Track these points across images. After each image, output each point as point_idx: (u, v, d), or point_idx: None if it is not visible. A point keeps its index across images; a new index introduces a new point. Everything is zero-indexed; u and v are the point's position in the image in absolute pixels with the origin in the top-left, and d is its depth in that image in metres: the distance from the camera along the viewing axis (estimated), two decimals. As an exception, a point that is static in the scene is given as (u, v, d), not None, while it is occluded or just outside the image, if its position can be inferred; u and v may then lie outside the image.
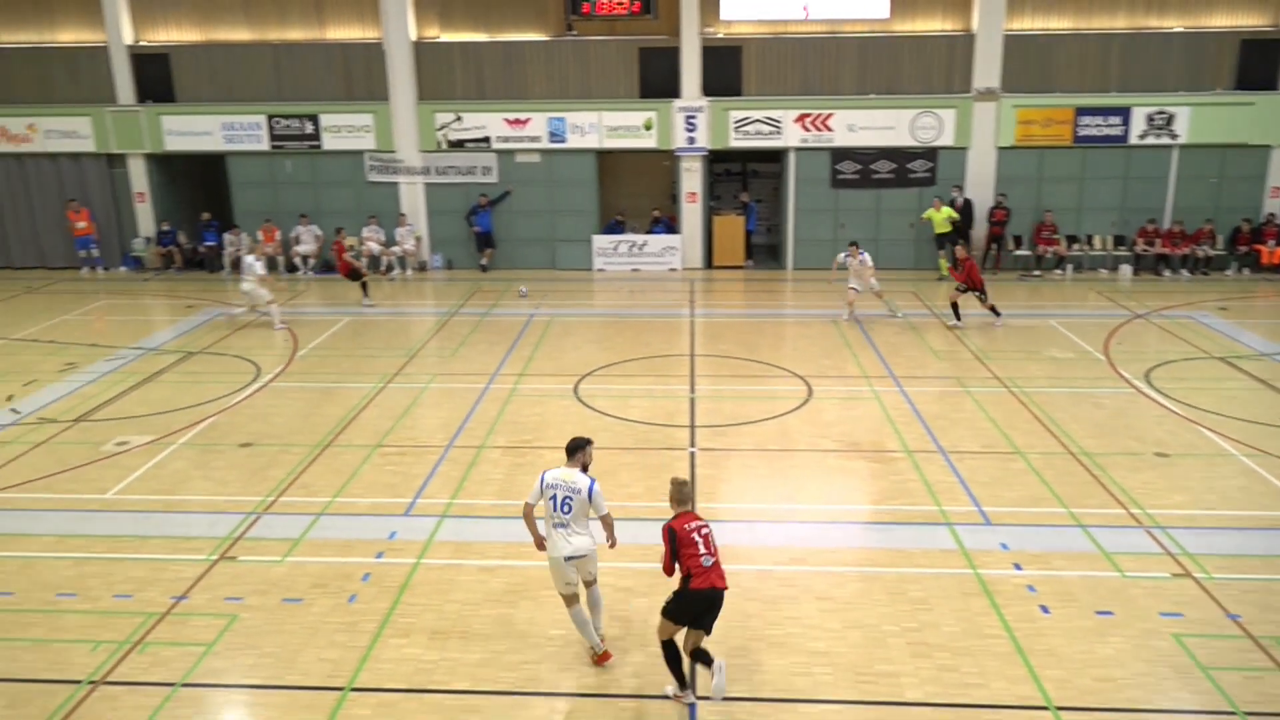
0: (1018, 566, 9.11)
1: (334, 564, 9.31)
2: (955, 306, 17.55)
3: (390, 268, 22.51)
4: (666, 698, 7.31)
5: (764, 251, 24.47)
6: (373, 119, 22.36)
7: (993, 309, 17.53)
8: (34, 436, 12.68)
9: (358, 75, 22.54)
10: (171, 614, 8.49)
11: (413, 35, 22.12)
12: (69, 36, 22.96)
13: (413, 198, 22.82)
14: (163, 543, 9.78)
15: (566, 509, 7.46)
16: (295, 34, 22.62)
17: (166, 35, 22.84)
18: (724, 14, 21.73)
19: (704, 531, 7.16)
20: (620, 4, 21.31)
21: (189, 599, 8.73)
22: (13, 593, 8.87)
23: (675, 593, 7.12)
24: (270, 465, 11.67)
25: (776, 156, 23.16)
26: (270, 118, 22.48)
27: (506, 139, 22.38)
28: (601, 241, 22.89)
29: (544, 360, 15.74)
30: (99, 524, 10.21)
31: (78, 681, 7.55)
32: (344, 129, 22.49)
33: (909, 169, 22.06)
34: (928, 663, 7.70)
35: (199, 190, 24.34)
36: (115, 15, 22.36)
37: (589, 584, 7.75)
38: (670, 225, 23.20)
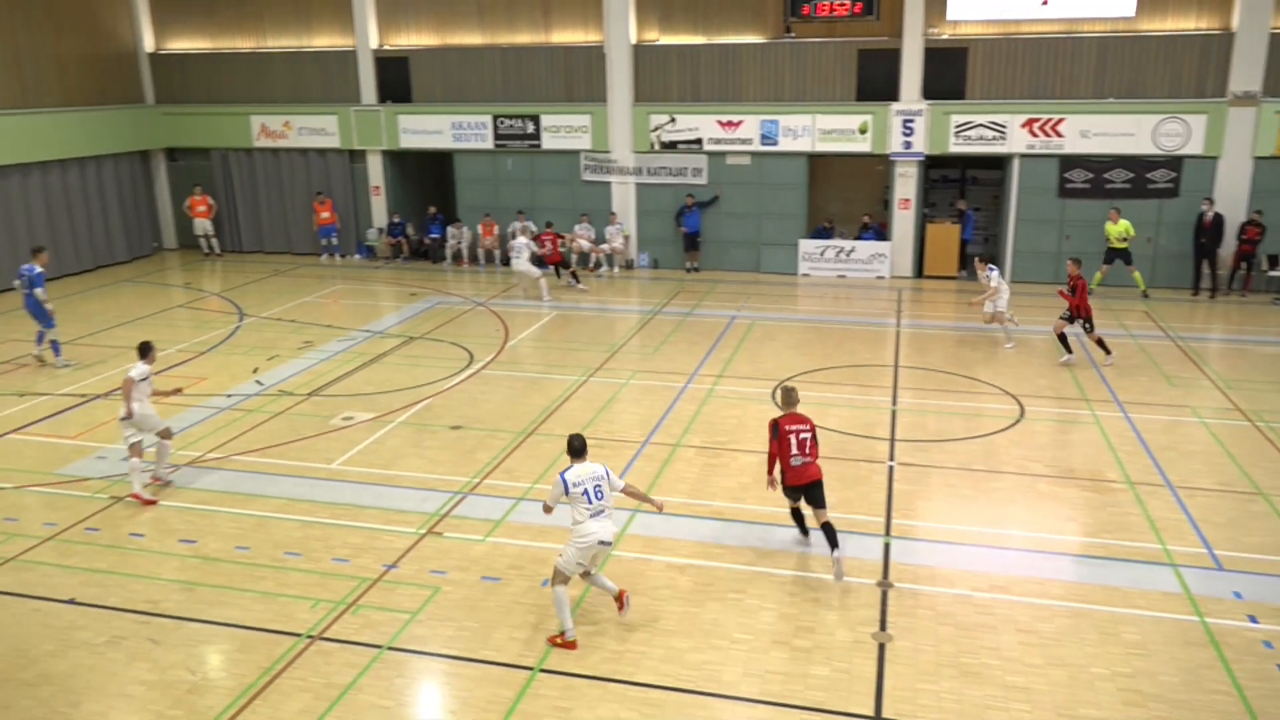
0: (1253, 619, 8.26)
1: (531, 548, 9.65)
2: (1063, 338, 15.51)
3: (598, 265, 23.12)
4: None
5: (979, 262, 23.36)
6: (590, 119, 23.04)
7: (1100, 342, 15.33)
8: (273, 407, 13.88)
9: (578, 77, 23.29)
10: (382, 581, 9.06)
11: (633, 38, 22.61)
12: (323, 42, 24.99)
13: (624, 197, 23.34)
14: (377, 513, 10.46)
15: (600, 495, 8.00)
16: (522, 38, 23.62)
17: (407, 40, 24.42)
18: (951, 14, 20.91)
19: (802, 435, 9.00)
20: (842, 5, 20.92)
21: (398, 568, 9.29)
22: (249, 548, 9.74)
23: (777, 478, 9.16)
24: (477, 448, 12.25)
25: (999, 163, 22.07)
26: (495, 117, 23.60)
27: (718, 141, 22.48)
28: (808, 246, 22.58)
29: (743, 363, 15.70)
30: (323, 491, 11.05)
31: (298, 634, 8.20)
32: (562, 129, 23.29)
33: (1148, 179, 20.45)
34: (1141, 713, 7.11)
35: (428, 185, 25.89)
36: (364, 22, 24.14)
37: (594, 573, 8.30)
38: (880, 232, 22.59)
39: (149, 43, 25.94)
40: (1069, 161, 20.74)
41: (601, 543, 7.97)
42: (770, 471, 9.11)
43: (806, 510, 9.28)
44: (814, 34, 21.83)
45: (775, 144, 22.15)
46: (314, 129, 24.91)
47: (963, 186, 24.07)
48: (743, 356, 16.07)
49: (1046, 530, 10.06)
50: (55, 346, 16.02)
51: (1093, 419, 13.09)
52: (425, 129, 24.15)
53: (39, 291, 15.63)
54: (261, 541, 9.87)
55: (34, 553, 9.68)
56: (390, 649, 7.99)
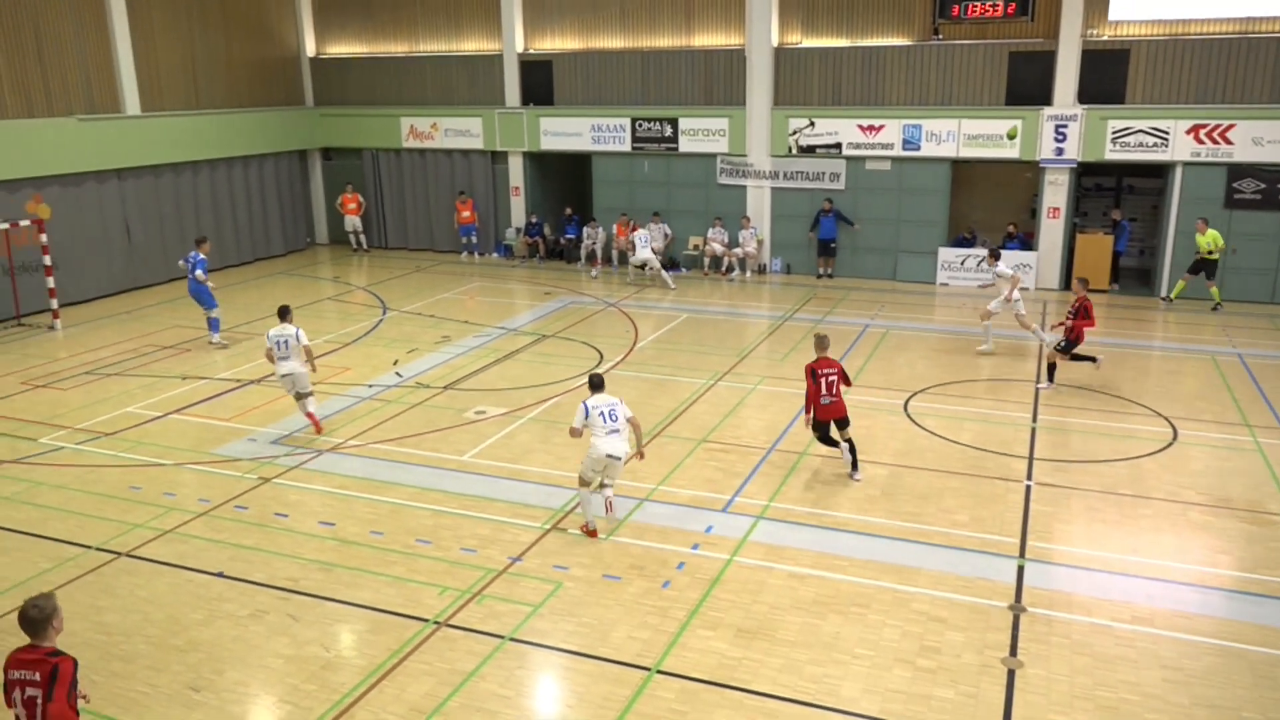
0: None
1: (652, 548, 9.68)
2: (1052, 367, 14.50)
3: (730, 269, 23.04)
4: None
5: (1133, 275, 22.18)
6: (728, 123, 22.98)
7: (1052, 369, 14.41)
8: (411, 398, 14.38)
9: (717, 80, 23.27)
10: (507, 572, 9.26)
11: (774, 41, 22.44)
12: (471, 46, 25.77)
13: (758, 201, 23.19)
14: (505, 506, 10.70)
15: (613, 418, 9.79)
16: (663, 41, 23.77)
17: (551, 44, 24.93)
18: (1113, 14, 19.92)
19: (830, 378, 10.96)
20: (994, 6, 20.21)
21: (523, 561, 9.47)
22: (383, 533, 10.12)
23: (812, 416, 11.08)
24: (603, 447, 12.36)
25: (1158, 171, 20.90)
26: (634, 120, 23.82)
27: (858, 145, 22.06)
28: (948, 255, 21.91)
29: (875, 373, 15.35)
30: (454, 482, 11.37)
31: (425, 620, 8.46)
32: (700, 132, 23.32)
33: (1328, 190, 18.98)
34: (1299, 766, 6.59)
35: (565, 186, 26.37)
36: (511, 27, 24.78)
37: (608, 484, 9.98)
38: (1026, 241, 21.70)
39: (310, 48, 27.33)
40: (1238, 170, 19.45)
41: (609, 455, 9.70)
42: (808, 411, 11.14)
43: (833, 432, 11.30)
44: (962, 36, 21.18)
45: (917, 149, 21.59)
46: (459, 130, 25.71)
47: (1118, 195, 22.90)
48: (875, 366, 15.72)
49: (1197, 562, 9.44)
50: (214, 324, 17.34)
51: (1254, 446, 12.22)
52: (565, 131, 24.60)
53: (200, 274, 17.07)
54: (395, 528, 10.23)
55: (188, 526, 10.32)
56: (512, 640, 8.16)
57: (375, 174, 26.99)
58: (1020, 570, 9.21)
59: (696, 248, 23.71)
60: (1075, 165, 20.59)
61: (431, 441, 12.65)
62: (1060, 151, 20.49)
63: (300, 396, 12.98)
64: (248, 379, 15.31)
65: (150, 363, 16.37)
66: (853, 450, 11.25)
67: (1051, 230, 21.14)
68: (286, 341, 12.79)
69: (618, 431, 9.75)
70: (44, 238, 18.58)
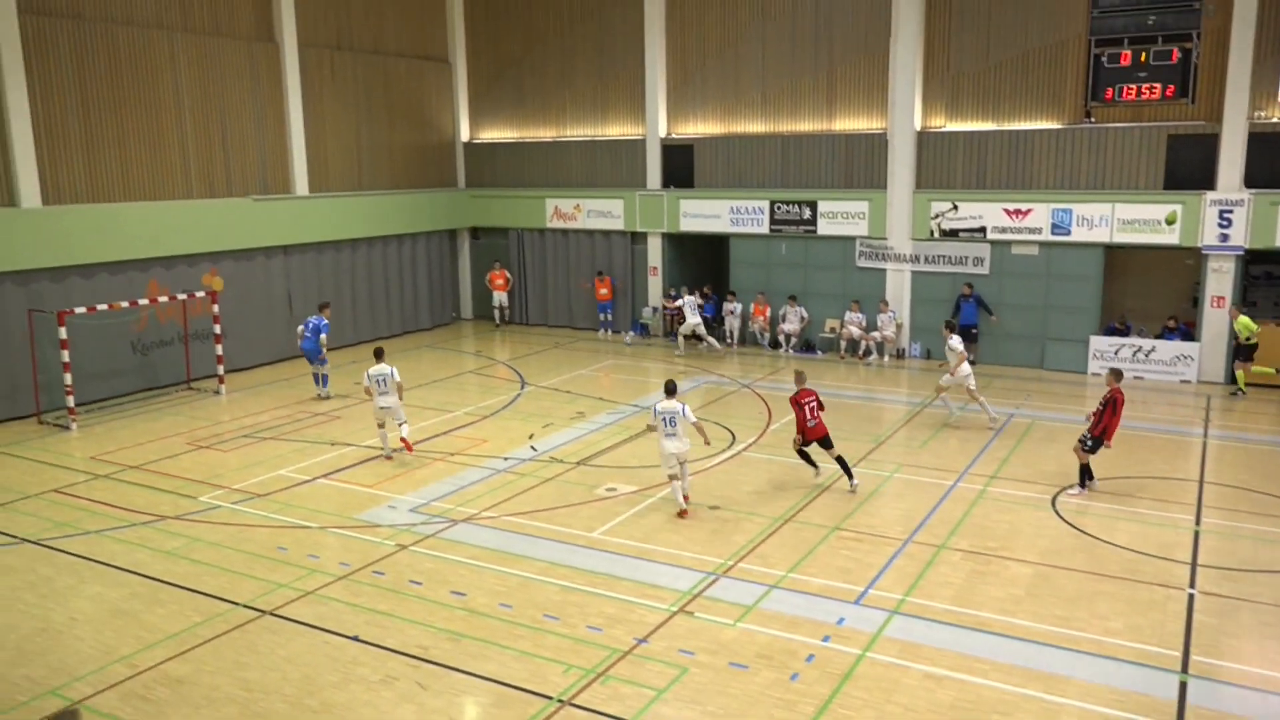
0: None
1: (781, 638, 9.41)
2: (1085, 468, 13.46)
3: (867, 352, 22.65)
4: None
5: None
6: (868, 206, 22.86)
7: (1084, 470, 13.43)
8: (544, 472, 14.60)
9: (858, 164, 23.26)
10: (632, 654, 9.16)
11: (917, 125, 22.32)
12: (616, 131, 26.63)
13: (898, 284, 22.83)
14: (632, 586, 10.64)
15: (673, 424, 12.50)
16: (804, 126, 23.98)
17: (693, 129, 25.50)
18: (1280, 96, 18.99)
19: (810, 405, 13.31)
20: (1151, 89, 19.55)
21: (649, 643, 9.36)
22: (511, 606, 10.21)
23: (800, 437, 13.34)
24: (734, 530, 12.21)
25: (1337, 260, 19.54)
26: (773, 203, 23.98)
27: (1003, 229, 21.53)
28: (1100, 343, 20.94)
29: (1020, 465, 14.68)
30: (582, 559, 11.40)
31: (549, 697, 8.43)
32: (839, 215, 23.26)
33: None
34: None
35: (702, 267, 26.65)
36: (655, 113, 25.52)
37: (681, 468, 12.70)
38: (1188, 332, 20.55)
39: (465, 133, 28.82)
40: None
41: (671, 452, 12.53)
42: (798, 433, 13.53)
43: (820, 456, 13.71)
44: (1117, 119, 20.55)
45: (1067, 233, 20.90)
46: (601, 211, 26.45)
47: (1290, 284, 21.48)
48: (1019, 458, 15.04)
49: (1392, 691, 8.51)
50: (324, 379, 19.33)
51: None
52: (704, 213, 24.97)
53: (324, 337, 19.01)
54: (524, 601, 10.30)
55: (329, 589, 10.67)
56: (634, 724, 8.02)
57: (520, 252, 27.96)
58: (1183, 687, 8.51)
59: (833, 330, 23.46)
60: (1242, 252, 19.49)
61: (562, 516, 12.76)
62: (1225, 238, 19.46)
63: (397, 424, 15.19)
64: (392, 448, 15.87)
65: (303, 428, 17.20)
66: (844, 465, 13.49)
67: (1215, 320, 19.95)
68: (384, 379, 14.96)
69: (674, 435, 12.44)
70: (216, 308, 19.96)
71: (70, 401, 17.36)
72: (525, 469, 14.77)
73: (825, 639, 9.38)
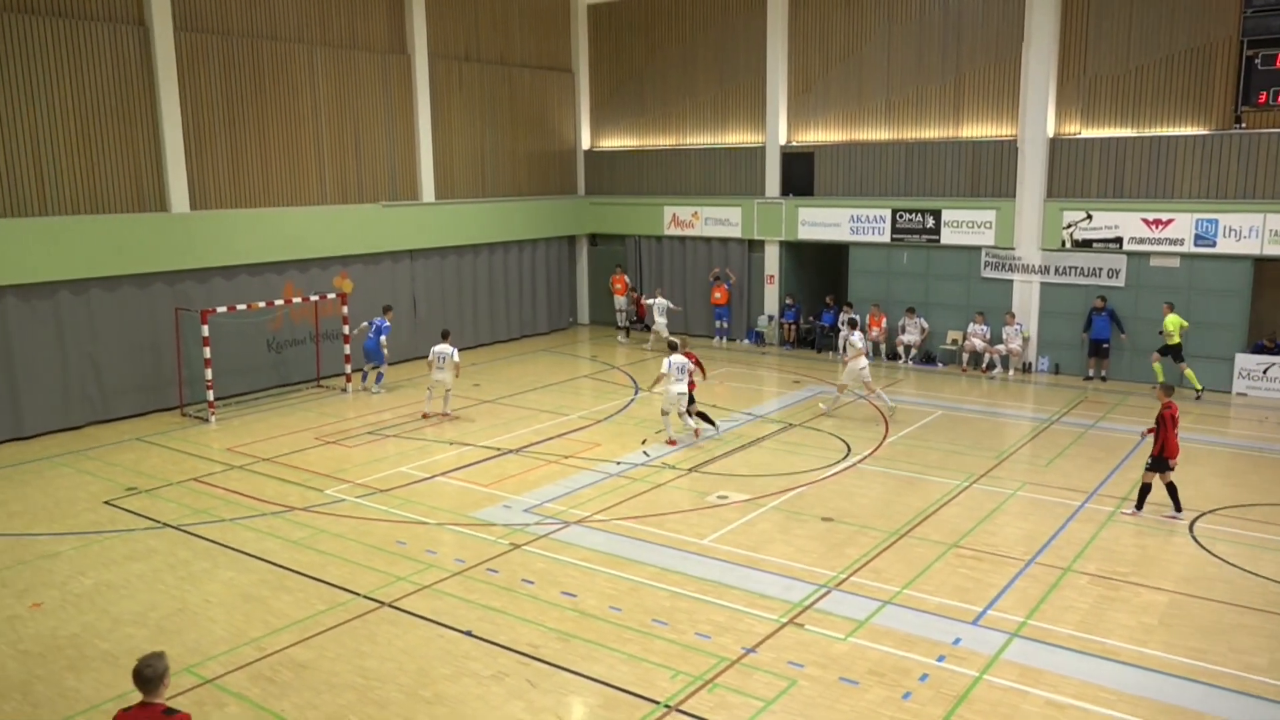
0: None
1: (893, 655, 9.18)
2: (1145, 489, 12.90)
3: (991, 366, 21.93)
4: None
5: None
6: (994, 215, 22.15)
7: (1144, 492, 12.87)
8: (656, 478, 14.63)
9: (985, 172, 22.57)
10: (740, 663, 9.08)
11: (1050, 132, 21.53)
12: (735, 139, 26.56)
13: (1025, 296, 22.04)
14: (741, 595, 10.55)
15: (684, 372, 16.09)
16: (929, 133, 23.42)
17: (814, 136, 25.22)
18: None
19: (688, 367, 16.19)
20: (1307, 92, 18.36)
21: (757, 653, 9.26)
22: (621, 609, 10.26)
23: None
24: (847, 543, 11.98)
25: None
26: (895, 211, 23.49)
27: (1141, 240, 20.54)
28: (1247, 362, 19.73)
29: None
30: (692, 565, 11.37)
31: (656, 702, 8.43)
32: (964, 224, 22.61)
33: None
34: None
35: (820, 275, 26.31)
36: (775, 121, 25.36)
37: (684, 412, 16.18)
38: (1347, 351, 19.18)
39: (585, 142, 29.24)
40: None
41: (680, 394, 16.00)
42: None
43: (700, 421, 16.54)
44: (1270, 124, 19.36)
45: (1212, 245, 19.79)
46: (719, 219, 26.41)
47: None
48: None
49: None
50: (379, 377, 20.47)
51: None
52: (824, 221, 24.64)
53: (384, 339, 20.07)
54: (633, 605, 10.34)
55: (444, 584, 10.94)
56: (741, 735, 7.95)
57: (637, 259, 28.17)
58: (1334, 731, 7.92)
59: (955, 343, 22.81)
60: None
61: (673, 523, 12.76)
62: (1390, 251, 18.09)
63: (439, 397, 18.02)
64: (507, 448, 16.19)
65: (424, 427, 17.72)
66: (704, 417, 16.68)
67: (1378, 339, 18.55)
68: (444, 357, 17.74)
69: (681, 380, 16.05)
70: (345, 309, 20.77)
71: (210, 396, 18.33)
72: (637, 474, 14.85)
73: (940, 659, 9.10)
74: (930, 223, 23.04)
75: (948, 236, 22.84)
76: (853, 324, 19.00)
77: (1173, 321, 19.37)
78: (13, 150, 16.92)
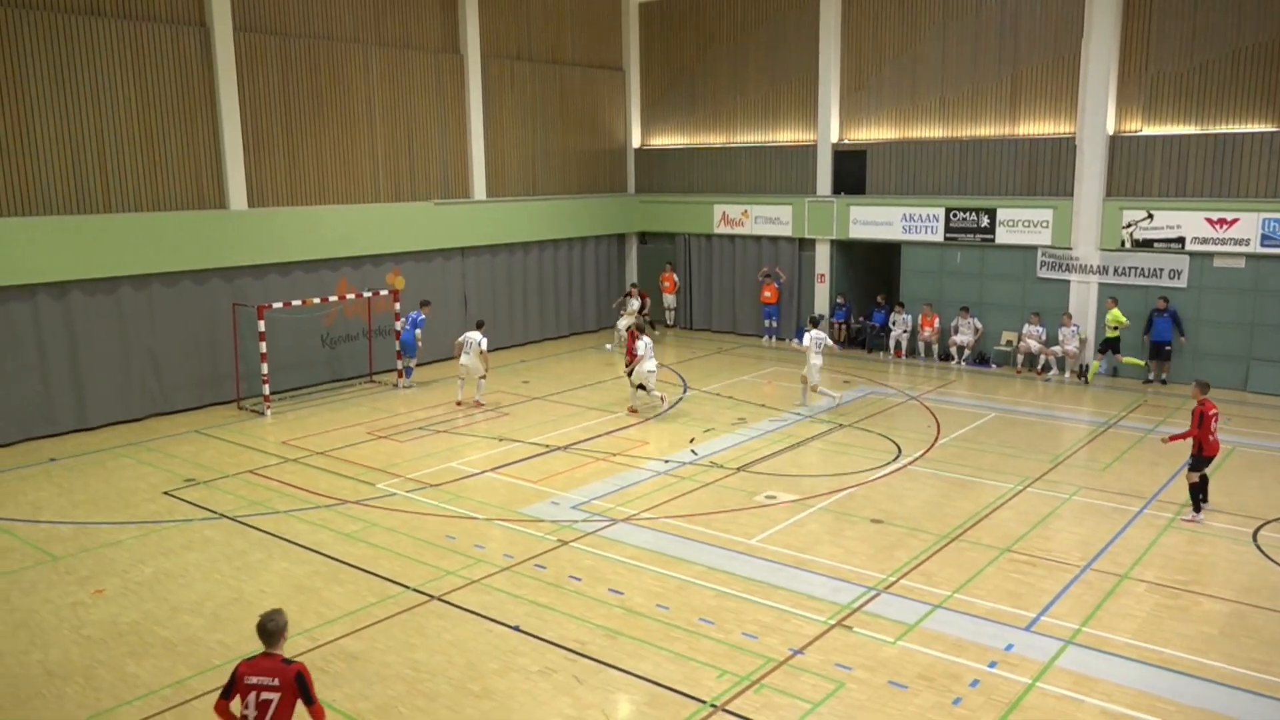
0: None
1: (944, 660, 9.06)
2: (1195, 490, 12.70)
3: (1047, 368, 21.54)
4: None
5: None
6: (1052, 214, 21.74)
7: (1197, 489, 12.66)
8: (704, 477, 14.60)
9: (1042, 170, 22.16)
10: (787, 664, 9.03)
11: (1110, 130, 21.07)
12: (786, 137, 26.39)
13: (1082, 297, 21.60)
14: (789, 595, 10.49)
15: (650, 350, 17.95)
16: (985, 130, 23.06)
17: (866, 135, 24.97)
18: None
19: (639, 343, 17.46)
20: (1380, 87, 17.74)
21: (804, 655, 9.20)
22: (668, 607, 10.26)
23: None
24: (896, 546, 11.85)
25: None
26: (948, 210, 23.18)
27: (1205, 240, 20.02)
28: (1314, 365, 19.15)
29: (1217, 493, 13.56)
30: (740, 565, 11.33)
31: (702, 701, 8.42)
32: (1020, 223, 22.23)
33: None
34: None
35: (871, 274, 26.05)
36: (827, 119, 25.15)
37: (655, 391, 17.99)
38: None
39: (636, 140, 29.26)
40: None
41: (650, 371, 17.75)
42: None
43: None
44: (1340, 121, 18.76)
45: (1279, 245, 19.23)
46: (769, 218, 26.26)
47: None
48: (1218, 486, 13.89)
49: None
50: (409, 371, 20.81)
51: None
52: (876, 220, 24.39)
53: (419, 332, 20.56)
54: (680, 604, 10.33)
55: (493, 579, 11.02)
56: (788, 736, 7.90)
57: (686, 257, 28.13)
58: (1405, 749, 7.65)
59: (1010, 344, 22.43)
60: None
61: (721, 522, 12.73)
62: None
63: (469, 380, 18.88)
64: (555, 445, 16.27)
65: (474, 423, 17.88)
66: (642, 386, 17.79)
67: None
68: (470, 344, 18.63)
69: (651, 357, 17.87)
70: (397, 305, 21.02)
71: (266, 390, 18.67)
72: (685, 472, 14.83)
73: (992, 664, 8.96)
74: (985, 222, 22.68)
75: (1003, 236, 22.47)
76: (814, 322, 19.24)
77: (1115, 317, 20.31)
78: (79, 149, 17.38)
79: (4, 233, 16.26)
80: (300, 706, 6.15)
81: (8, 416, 16.67)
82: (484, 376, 18.92)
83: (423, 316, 20.72)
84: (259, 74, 19.89)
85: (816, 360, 18.43)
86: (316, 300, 19.76)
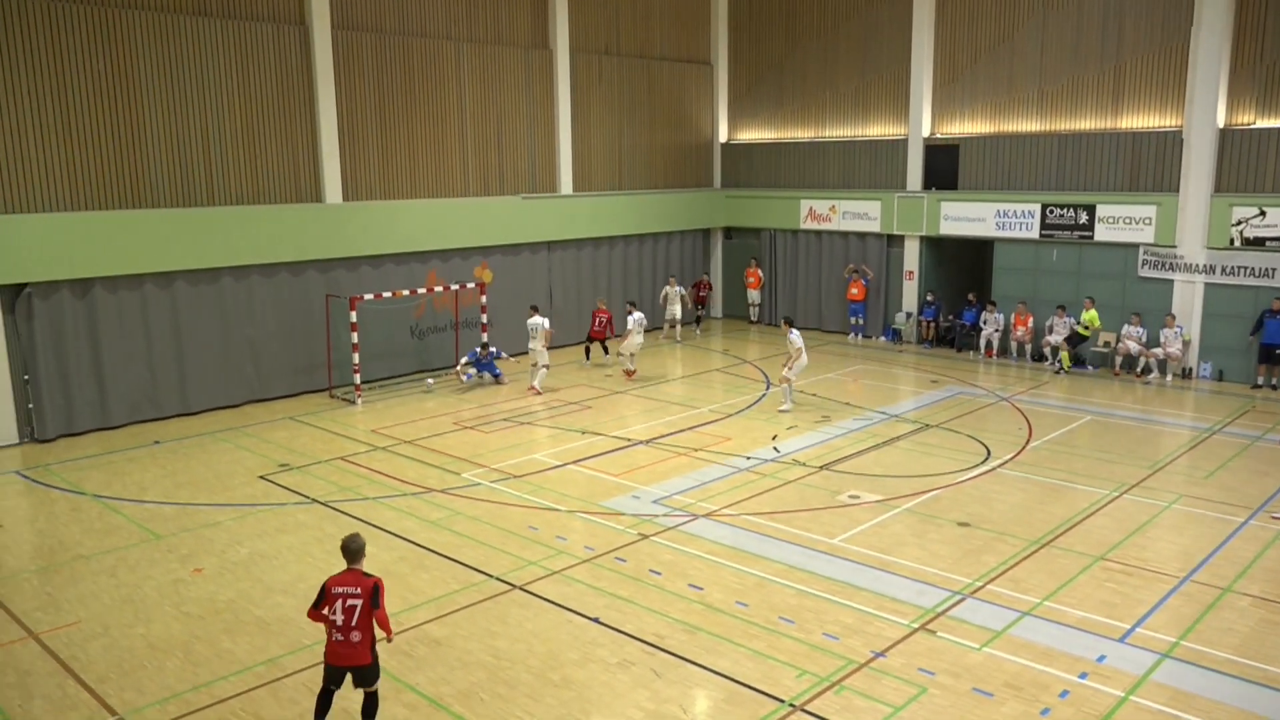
0: None
1: (1031, 669, 8.81)
2: None
3: (1147, 370, 20.75)
4: None
5: None
6: (1155, 211, 20.92)
7: None
8: (786, 475, 14.48)
9: (1145, 165, 21.34)
10: (868, 666, 8.89)
11: (1220, 122, 20.17)
12: (876, 131, 25.96)
13: (1187, 297, 20.74)
14: (871, 597, 10.33)
15: (642, 325, 20.31)
16: (1085, 124, 22.31)
17: (960, 129, 24.39)
18: None
19: (601, 319, 19.20)
20: None
21: (886, 658, 9.05)
22: (748, 605, 10.20)
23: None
24: (984, 550, 11.57)
25: None
26: (1044, 206, 22.50)
27: (1320, 239, 19.03)
28: None
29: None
30: (821, 564, 11.20)
31: (781, 700, 8.35)
32: (1120, 220, 21.45)
33: None
34: None
35: (961, 272, 25.45)
36: (919, 113, 24.66)
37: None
38: None
39: (723, 135, 29.13)
40: None
41: (640, 343, 19.86)
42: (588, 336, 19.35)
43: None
44: None
45: (1403, 245, 18.16)
46: (857, 213, 25.88)
47: None
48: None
49: None
50: (470, 375, 20.62)
51: None
52: (967, 216, 23.82)
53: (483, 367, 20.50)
54: (759, 601, 10.27)
55: (573, 570, 11.12)
56: (868, 739, 7.79)
57: (771, 253, 27.90)
58: None
59: (1107, 345, 21.67)
60: None
61: (802, 520, 12.60)
62: None
63: (535, 366, 19.55)
64: (638, 439, 16.31)
65: (557, 415, 18.05)
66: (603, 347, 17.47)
67: None
68: (535, 328, 19.48)
69: (640, 333, 20.08)
70: (484, 298, 21.34)
71: (357, 379, 19.17)
72: (767, 469, 14.72)
73: (1083, 675, 8.68)
74: (1083, 218, 21.95)
75: (1102, 233, 21.72)
76: (788, 322, 18.54)
77: (1092, 318, 20.98)
78: (186, 145, 18.08)
79: (116, 225, 17.02)
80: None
81: (117, 400, 17.46)
82: (547, 365, 19.62)
83: (480, 355, 20.43)
84: (355, 71, 20.39)
85: (804, 360, 18.15)
86: (406, 292, 20.20)
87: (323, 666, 7.70)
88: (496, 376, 20.65)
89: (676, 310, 25.49)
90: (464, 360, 20.57)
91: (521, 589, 10.63)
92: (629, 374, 20.76)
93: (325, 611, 7.48)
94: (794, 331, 18.12)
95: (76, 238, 16.54)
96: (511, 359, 21.50)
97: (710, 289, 27.96)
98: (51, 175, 16.61)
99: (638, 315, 20.87)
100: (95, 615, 10.16)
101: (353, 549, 7.66)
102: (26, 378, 16.47)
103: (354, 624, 7.40)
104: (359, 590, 7.44)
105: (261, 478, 14.62)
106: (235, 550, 11.84)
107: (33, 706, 8.42)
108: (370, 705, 7.72)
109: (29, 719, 8.23)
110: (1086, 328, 21.04)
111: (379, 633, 7.66)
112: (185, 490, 14.11)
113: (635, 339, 20.57)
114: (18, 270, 16.01)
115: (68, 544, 12.12)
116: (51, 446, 16.42)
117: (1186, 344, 20.61)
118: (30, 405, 16.56)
